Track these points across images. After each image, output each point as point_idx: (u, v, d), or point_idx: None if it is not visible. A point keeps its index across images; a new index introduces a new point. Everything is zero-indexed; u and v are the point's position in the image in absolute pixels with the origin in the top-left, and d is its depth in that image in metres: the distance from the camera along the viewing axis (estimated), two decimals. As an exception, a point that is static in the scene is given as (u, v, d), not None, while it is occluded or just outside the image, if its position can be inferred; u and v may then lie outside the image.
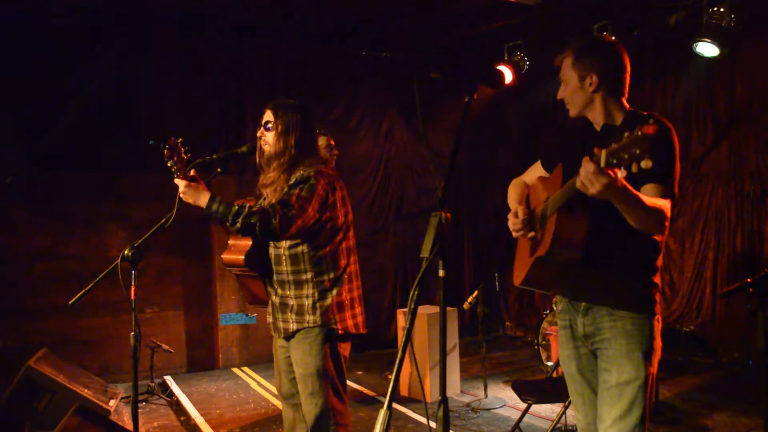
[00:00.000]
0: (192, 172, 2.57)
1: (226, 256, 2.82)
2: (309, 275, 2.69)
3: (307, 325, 2.68)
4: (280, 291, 2.75)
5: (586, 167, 1.73)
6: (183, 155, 2.53)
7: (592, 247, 2.06)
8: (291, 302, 2.72)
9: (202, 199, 2.52)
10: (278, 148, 2.72)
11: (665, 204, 1.97)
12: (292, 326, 2.71)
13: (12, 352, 5.15)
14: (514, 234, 2.32)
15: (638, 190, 1.91)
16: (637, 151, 1.58)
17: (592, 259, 2.08)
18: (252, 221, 2.48)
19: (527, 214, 2.27)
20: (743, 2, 5.06)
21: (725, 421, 4.31)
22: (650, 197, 1.94)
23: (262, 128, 2.77)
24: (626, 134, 1.61)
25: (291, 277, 2.71)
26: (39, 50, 5.50)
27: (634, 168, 1.60)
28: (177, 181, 2.53)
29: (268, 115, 2.76)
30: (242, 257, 2.75)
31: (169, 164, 2.51)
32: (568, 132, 2.36)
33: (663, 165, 1.98)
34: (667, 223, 1.99)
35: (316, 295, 2.69)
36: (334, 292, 2.71)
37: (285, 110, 2.75)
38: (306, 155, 2.73)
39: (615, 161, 1.63)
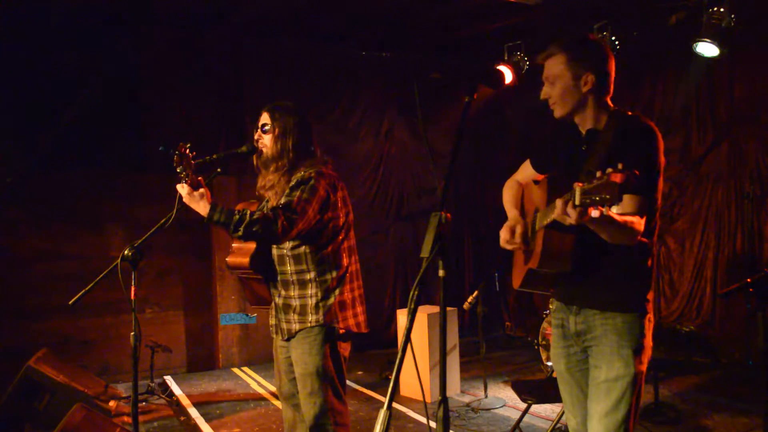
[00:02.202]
0: (199, 178, 2.55)
1: (230, 259, 2.80)
2: (312, 275, 2.69)
3: (309, 324, 2.68)
4: (283, 292, 2.75)
5: (559, 207, 1.78)
6: (191, 161, 2.51)
7: (580, 259, 2.10)
8: (294, 303, 2.71)
9: (203, 209, 2.50)
10: (276, 150, 2.71)
11: (637, 221, 1.99)
12: (295, 326, 2.71)
13: (12, 352, 5.15)
14: (508, 248, 2.33)
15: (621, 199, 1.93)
16: (607, 197, 1.62)
17: (582, 270, 2.12)
18: (254, 229, 2.47)
19: (524, 229, 2.28)
20: (743, 2, 5.06)
21: (725, 421, 4.31)
22: (623, 215, 1.95)
23: (259, 130, 2.76)
24: (598, 174, 1.64)
25: (294, 277, 2.71)
26: (39, 50, 5.50)
27: (606, 211, 1.65)
28: (179, 188, 2.51)
29: (265, 118, 2.76)
30: (247, 260, 2.74)
31: (178, 170, 2.49)
32: (555, 135, 2.35)
33: (643, 175, 1.96)
34: (638, 237, 2.02)
35: (319, 294, 2.69)
36: (337, 291, 2.71)
37: (282, 112, 2.74)
38: (305, 157, 2.73)
39: (588, 201, 1.66)
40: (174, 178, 2.56)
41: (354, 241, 2.84)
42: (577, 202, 1.69)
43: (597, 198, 1.64)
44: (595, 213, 1.67)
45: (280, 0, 5.62)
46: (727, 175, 5.77)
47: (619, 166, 1.62)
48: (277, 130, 2.72)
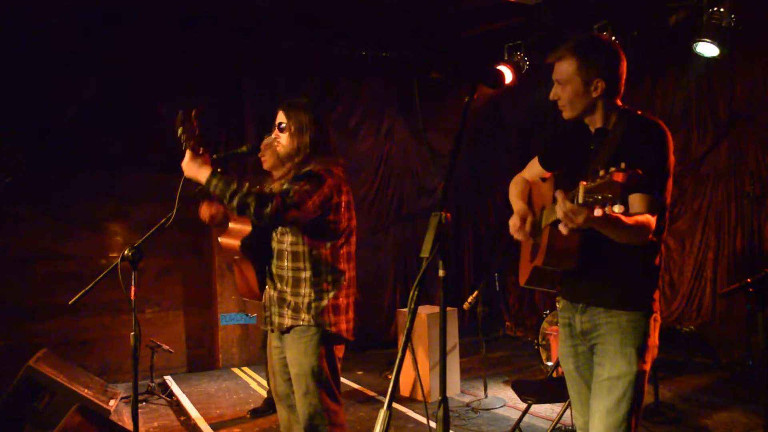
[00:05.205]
0: (201, 150, 2.49)
1: (223, 240, 2.81)
2: (308, 274, 2.69)
3: (301, 322, 2.67)
4: (279, 285, 2.75)
5: (562, 206, 1.76)
6: (195, 127, 2.45)
7: (586, 257, 2.09)
8: (289, 298, 2.71)
9: (203, 173, 2.47)
10: (292, 148, 2.71)
11: (648, 219, 1.97)
12: (287, 321, 2.70)
13: (12, 352, 5.15)
14: (515, 237, 2.32)
15: (626, 199, 1.91)
16: (609, 196, 1.61)
17: (588, 268, 2.11)
18: (248, 201, 2.45)
19: (534, 221, 2.27)
20: (743, 2, 5.06)
21: (725, 421, 4.31)
22: (633, 215, 1.94)
23: (276, 129, 2.76)
24: (601, 173, 1.63)
25: (290, 274, 2.71)
26: (39, 50, 5.50)
27: (608, 210, 1.63)
28: (186, 151, 2.47)
29: (281, 116, 2.75)
30: (238, 243, 2.74)
31: (178, 132, 2.44)
32: (564, 133, 2.34)
33: (651, 173, 1.96)
34: (651, 236, 2.00)
35: (312, 295, 2.68)
36: (331, 294, 2.70)
37: (297, 110, 2.73)
38: (320, 154, 2.72)
39: (591, 200, 1.65)
40: (173, 176, 2.55)
41: (354, 248, 2.83)
42: (580, 201, 1.68)
43: (599, 197, 1.62)
44: (597, 212, 1.66)
45: (280, 0, 5.62)
46: (727, 175, 5.77)
47: (622, 165, 1.61)
48: (292, 127, 2.71)
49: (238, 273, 2.96)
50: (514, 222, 2.29)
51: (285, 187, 2.60)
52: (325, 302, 2.68)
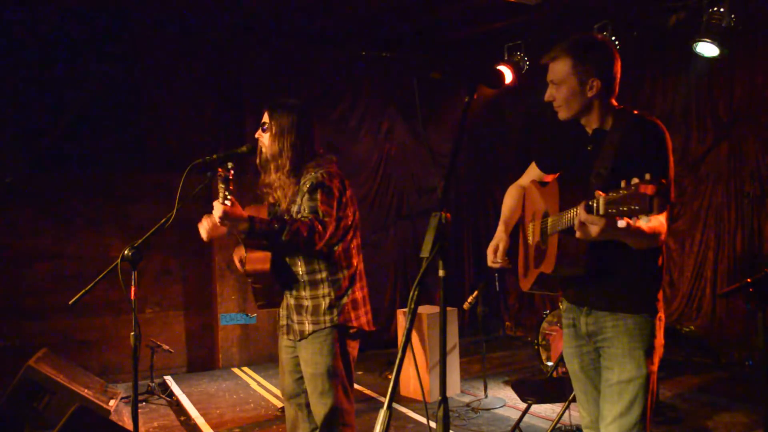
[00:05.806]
0: (231, 198, 2.49)
1: (250, 267, 2.77)
2: (324, 274, 2.69)
3: (322, 325, 2.67)
4: (295, 292, 2.75)
5: (582, 217, 1.76)
6: (230, 179, 2.48)
7: (594, 263, 2.09)
8: (306, 303, 2.71)
9: (242, 224, 2.47)
10: (274, 150, 2.70)
11: (662, 224, 1.98)
12: (309, 327, 2.69)
13: (12, 352, 5.15)
14: (494, 267, 2.43)
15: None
16: (636, 208, 1.59)
17: (596, 273, 2.12)
18: (296, 238, 2.49)
19: (506, 246, 2.40)
20: (743, 2, 5.06)
21: (725, 421, 4.31)
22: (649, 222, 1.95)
23: (259, 129, 2.76)
24: (622, 184, 1.61)
25: (306, 278, 2.71)
26: (39, 50, 5.50)
27: (634, 222, 1.61)
28: (216, 204, 2.48)
29: (265, 116, 2.75)
30: (268, 266, 2.72)
31: (220, 186, 2.46)
32: (560, 134, 2.34)
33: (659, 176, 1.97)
34: (663, 237, 2.02)
35: (332, 294, 2.69)
36: (350, 290, 2.72)
37: (280, 111, 2.72)
38: (307, 157, 2.71)
39: (614, 211, 1.63)
40: (173, 176, 2.55)
41: (360, 240, 2.85)
42: (601, 212, 1.67)
43: (625, 209, 1.60)
44: (621, 223, 1.64)
45: (281, 0, 5.62)
46: (727, 175, 5.77)
47: (647, 176, 1.58)
48: (274, 128, 2.70)
49: (256, 292, 2.94)
50: (488, 255, 2.42)
51: (307, 207, 2.60)
52: (345, 300, 2.70)
